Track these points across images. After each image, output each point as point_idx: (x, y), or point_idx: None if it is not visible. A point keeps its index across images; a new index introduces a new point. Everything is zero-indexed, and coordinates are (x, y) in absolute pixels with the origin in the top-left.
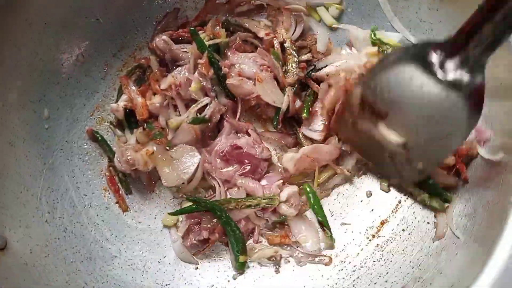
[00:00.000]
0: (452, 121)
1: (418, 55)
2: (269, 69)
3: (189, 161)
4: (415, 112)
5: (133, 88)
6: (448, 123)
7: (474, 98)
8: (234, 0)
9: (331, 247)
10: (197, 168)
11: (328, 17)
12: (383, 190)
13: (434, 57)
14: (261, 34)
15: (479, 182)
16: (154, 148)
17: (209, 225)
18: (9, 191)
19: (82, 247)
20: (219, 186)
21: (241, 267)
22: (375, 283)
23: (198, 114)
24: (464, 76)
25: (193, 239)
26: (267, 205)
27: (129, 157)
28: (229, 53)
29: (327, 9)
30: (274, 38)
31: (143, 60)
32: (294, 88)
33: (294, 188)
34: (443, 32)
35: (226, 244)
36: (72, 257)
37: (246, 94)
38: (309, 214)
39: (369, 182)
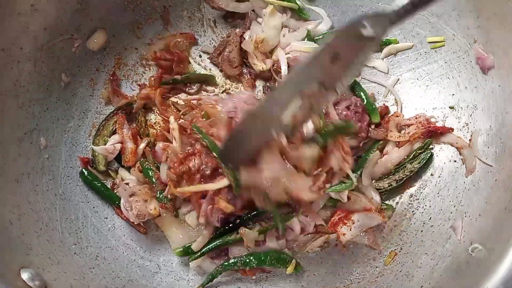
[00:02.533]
0: None
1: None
2: None
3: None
4: None
5: (126, 130)
6: None
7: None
8: None
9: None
10: None
11: None
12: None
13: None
14: None
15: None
16: (161, 212)
17: None
18: (30, 231)
19: (120, 271)
20: None
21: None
22: (421, 231)
23: None
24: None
25: None
26: None
27: (138, 213)
28: None
29: None
30: None
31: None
32: None
33: None
34: None
35: None
36: (113, 283)
37: None
38: None
39: None
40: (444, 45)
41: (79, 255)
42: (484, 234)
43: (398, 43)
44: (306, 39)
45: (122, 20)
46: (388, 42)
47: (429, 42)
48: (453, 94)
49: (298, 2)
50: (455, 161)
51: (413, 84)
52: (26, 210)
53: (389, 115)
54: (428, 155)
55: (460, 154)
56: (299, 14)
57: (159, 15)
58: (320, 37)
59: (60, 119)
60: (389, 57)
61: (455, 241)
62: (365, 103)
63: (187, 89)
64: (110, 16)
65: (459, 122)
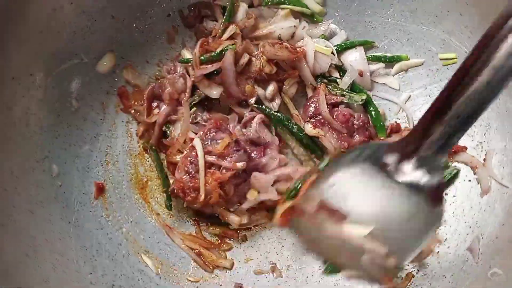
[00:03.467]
0: (415, 219)
1: (372, 156)
2: None
3: None
4: (377, 214)
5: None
6: (412, 221)
7: (433, 197)
8: None
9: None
10: None
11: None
12: None
13: (389, 159)
14: None
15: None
16: None
17: None
18: (45, 262)
19: None
20: None
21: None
22: (438, 252)
23: None
24: (422, 177)
25: None
26: None
27: None
28: None
29: None
30: None
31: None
32: None
33: None
34: None
35: None
36: None
37: None
38: None
39: None
40: (456, 62)
41: (95, 285)
42: (502, 258)
43: (409, 59)
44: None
45: (130, 41)
46: (399, 59)
47: (441, 59)
48: None
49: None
50: (469, 180)
51: (425, 101)
52: (41, 242)
53: (401, 132)
54: (454, 172)
55: (475, 173)
56: (312, 18)
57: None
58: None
59: (71, 145)
60: (400, 73)
61: (472, 264)
62: (373, 118)
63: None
64: (118, 38)
65: (472, 140)
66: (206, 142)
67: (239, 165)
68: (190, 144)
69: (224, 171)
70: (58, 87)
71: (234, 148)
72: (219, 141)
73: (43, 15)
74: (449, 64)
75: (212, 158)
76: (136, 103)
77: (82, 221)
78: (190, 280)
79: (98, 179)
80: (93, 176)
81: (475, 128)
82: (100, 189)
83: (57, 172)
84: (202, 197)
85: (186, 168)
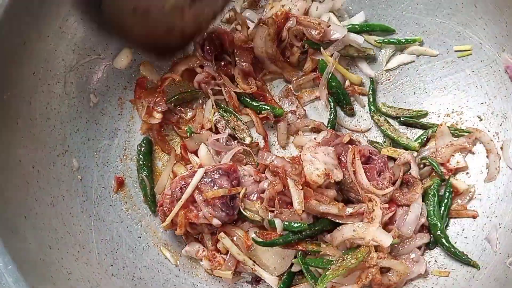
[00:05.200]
0: None
1: None
2: None
3: None
4: None
5: None
6: None
7: None
8: None
9: None
10: None
11: None
12: None
13: None
14: None
15: None
16: None
17: None
18: (68, 254)
19: None
20: None
21: None
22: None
23: None
24: None
25: None
26: None
27: None
28: None
29: None
30: None
31: None
32: None
33: None
34: None
35: None
36: None
37: None
38: None
39: None
40: (471, 54)
41: (116, 276)
42: None
43: (422, 42)
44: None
45: None
46: (412, 41)
47: (456, 51)
48: (481, 103)
49: None
50: (487, 169)
51: (440, 93)
52: (63, 234)
53: None
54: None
55: (487, 157)
56: None
57: None
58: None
59: (90, 139)
60: (415, 65)
61: (490, 253)
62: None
63: (182, 115)
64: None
65: (488, 131)
66: (206, 179)
67: (215, 222)
68: (195, 168)
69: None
70: (77, 83)
71: (222, 205)
72: (216, 187)
73: (63, 10)
74: (464, 56)
75: (198, 197)
76: (146, 99)
77: (102, 214)
78: (208, 272)
79: (118, 173)
80: (112, 170)
81: (491, 119)
82: (120, 183)
83: (77, 166)
84: (165, 224)
85: (173, 190)
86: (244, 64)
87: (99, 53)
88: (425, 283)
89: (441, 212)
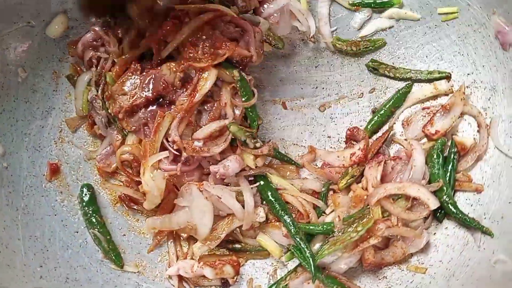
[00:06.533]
0: None
1: None
2: None
3: None
4: None
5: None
6: None
7: None
8: None
9: None
10: None
11: None
12: None
13: None
14: None
15: None
16: None
17: None
18: None
19: None
20: None
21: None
22: (434, 234)
23: None
24: None
25: None
26: None
27: None
28: None
29: None
30: None
31: None
32: None
33: None
34: None
35: None
36: None
37: None
38: None
39: None
40: (457, 17)
41: (45, 279)
42: (509, 241)
43: (402, 4)
44: None
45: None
46: (390, 4)
47: (440, 14)
48: (468, 74)
49: None
50: None
51: (422, 62)
52: None
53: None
54: None
55: (478, 131)
56: None
57: None
58: None
59: (19, 120)
60: (393, 31)
61: (474, 248)
62: None
63: None
64: None
65: (474, 106)
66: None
67: None
68: None
69: None
70: (1, 55)
71: None
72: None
73: None
74: (449, 20)
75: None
76: None
77: (32, 208)
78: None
79: (52, 159)
80: (45, 155)
81: (478, 92)
82: (54, 170)
83: (2, 151)
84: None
85: None
86: None
87: (29, 20)
88: (398, 280)
89: (447, 176)
